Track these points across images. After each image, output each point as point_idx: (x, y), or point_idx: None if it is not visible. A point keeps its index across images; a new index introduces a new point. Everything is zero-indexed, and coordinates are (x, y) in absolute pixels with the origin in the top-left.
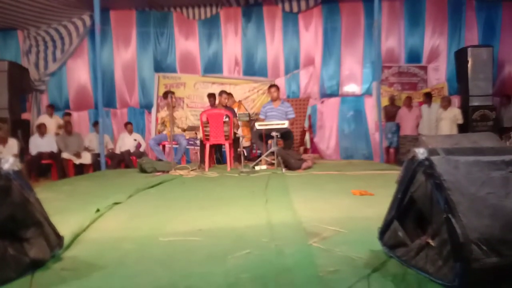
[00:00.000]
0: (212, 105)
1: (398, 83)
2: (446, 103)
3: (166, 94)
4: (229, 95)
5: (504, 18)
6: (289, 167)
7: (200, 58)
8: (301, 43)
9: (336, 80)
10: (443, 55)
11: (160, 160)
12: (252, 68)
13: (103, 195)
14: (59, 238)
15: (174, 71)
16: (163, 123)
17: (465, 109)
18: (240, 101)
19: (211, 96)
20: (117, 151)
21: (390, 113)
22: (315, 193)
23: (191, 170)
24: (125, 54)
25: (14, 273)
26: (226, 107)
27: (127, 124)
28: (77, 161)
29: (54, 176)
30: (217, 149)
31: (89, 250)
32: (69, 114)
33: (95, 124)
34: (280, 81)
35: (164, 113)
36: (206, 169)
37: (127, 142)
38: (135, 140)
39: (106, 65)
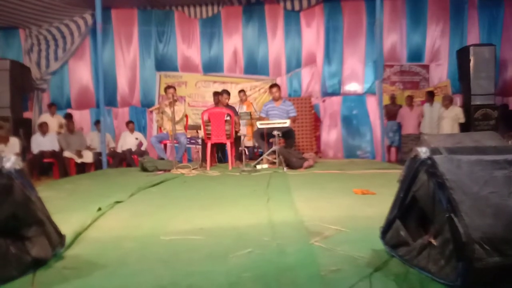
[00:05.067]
0: (216, 103)
1: (400, 82)
2: (447, 102)
3: (166, 89)
4: (242, 92)
5: (506, 16)
6: (290, 166)
7: (202, 57)
8: (302, 42)
9: (338, 79)
10: (445, 54)
11: (161, 158)
12: (253, 66)
13: (104, 194)
14: (61, 236)
15: (175, 70)
16: (158, 113)
17: (467, 108)
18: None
19: (216, 94)
20: (119, 150)
21: (391, 112)
22: (316, 192)
23: (193, 169)
24: (127, 53)
25: (16, 272)
26: (228, 106)
27: (128, 123)
28: (79, 160)
29: (56, 175)
30: (219, 148)
31: (91, 249)
32: (70, 116)
33: (97, 123)
34: (282, 80)
35: (163, 105)
36: (208, 168)
37: (128, 141)
38: (137, 139)
39: (107, 64)
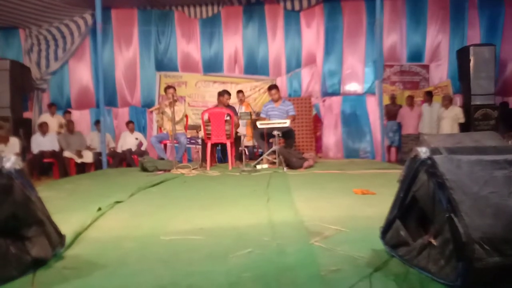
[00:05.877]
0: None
1: (400, 82)
2: (447, 102)
3: (166, 89)
4: (240, 92)
5: (506, 16)
6: (290, 166)
7: (201, 57)
8: (302, 42)
9: (338, 79)
10: (445, 54)
11: (161, 158)
12: (253, 66)
13: (104, 193)
14: (61, 236)
15: (175, 70)
16: (158, 113)
17: (467, 108)
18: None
19: (220, 94)
20: (119, 150)
21: (391, 112)
22: (316, 192)
23: (193, 169)
24: (127, 52)
25: (16, 272)
26: (228, 106)
27: (128, 123)
28: (79, 160)
29: (56, 175)
30: (219, 148)
31: (91, 249)
32: (69, 112)
33: (97, 123)
34: (282, 80)
35: (163, 105)
36: (208, 168)
37: (128, 141)
38: (137, 139)
39: (107, 64)
